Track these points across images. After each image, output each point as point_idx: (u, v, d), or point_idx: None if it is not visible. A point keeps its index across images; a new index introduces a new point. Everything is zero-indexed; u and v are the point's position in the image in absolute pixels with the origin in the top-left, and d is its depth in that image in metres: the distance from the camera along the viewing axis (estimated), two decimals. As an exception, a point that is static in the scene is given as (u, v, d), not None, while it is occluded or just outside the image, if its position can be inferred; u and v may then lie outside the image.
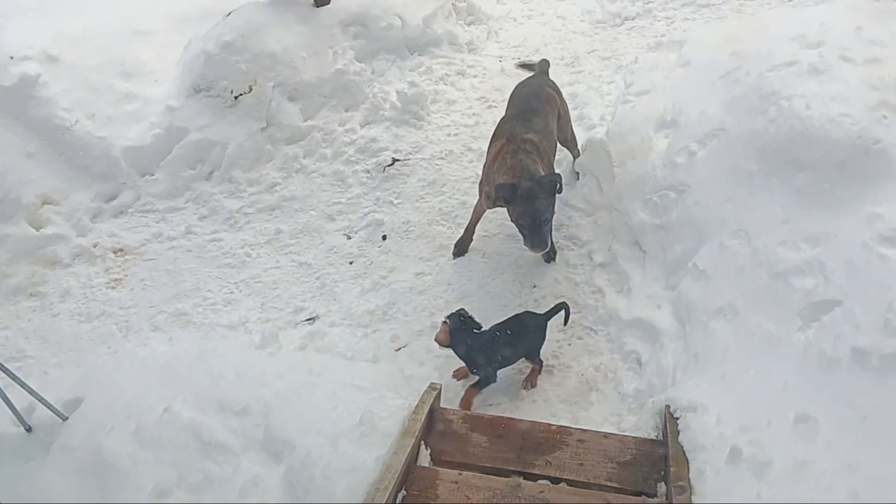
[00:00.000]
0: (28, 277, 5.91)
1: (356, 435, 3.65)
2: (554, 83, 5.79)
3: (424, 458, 3.81)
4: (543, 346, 4.71)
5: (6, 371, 3.89)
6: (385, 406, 3.88)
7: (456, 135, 6.85)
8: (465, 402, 4.47)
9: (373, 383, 4.27)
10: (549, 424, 4.04)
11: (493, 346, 4.53)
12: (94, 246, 6.21)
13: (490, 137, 5.42)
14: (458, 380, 4.68)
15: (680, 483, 3.35)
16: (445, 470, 3.72)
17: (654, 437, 3.95)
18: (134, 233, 6.35)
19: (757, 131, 4.73)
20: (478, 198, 5.44)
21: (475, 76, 7.61)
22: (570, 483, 3.67)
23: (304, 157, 6.79)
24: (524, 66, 7.31)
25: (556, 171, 5.31)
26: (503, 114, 5.57)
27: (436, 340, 4.55)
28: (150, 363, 4.38)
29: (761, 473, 3.17)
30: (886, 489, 2.92)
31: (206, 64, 6.95)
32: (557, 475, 3.70)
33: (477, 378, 4.57)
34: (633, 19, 8.01)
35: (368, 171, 6.55)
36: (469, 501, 3.49)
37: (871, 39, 4.95)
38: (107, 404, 4.02)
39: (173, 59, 7.40)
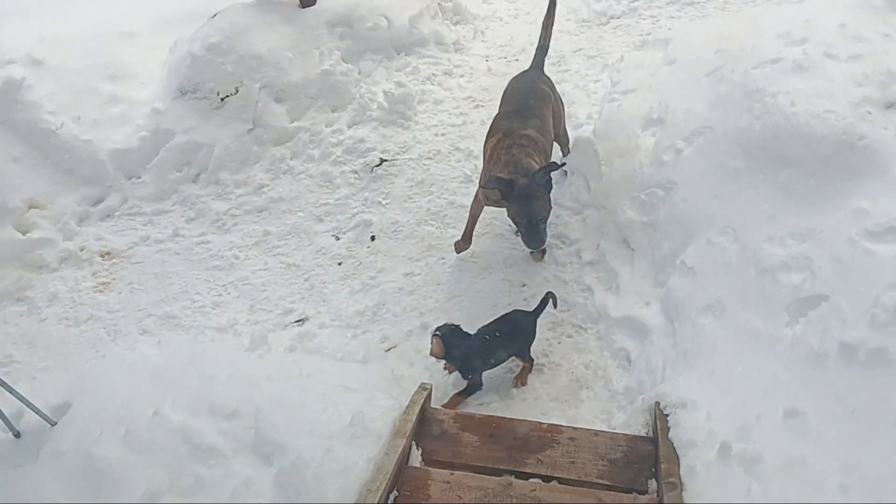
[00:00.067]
0: (15, 282, 5.87)
1: (347, 436, 3.64)
2: (548, 78, 5.76)
3: (416, 459, 3.80)
4: (533, 345, 4.73)
5: (-6, 377, 3.87)
6: (376, 407, 3.88)
7: (444, 134, 6.84)
8: (449, 409, 4.48)
9: (363, 384, 4.26)
10: (540, 423, 4.05)
11: (486, 348, 4.54)
12: (81, 250, 6.18)
13: (485, 136, 5.39)
14: (451, 373, 4.67)
15: (671, 480, 3.36)
16: (437, 470, 3.71)
17: (645, 434, 3.96)
18: (121, 236, 6.32)
19: (743, 128, 4.76)
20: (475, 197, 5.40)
21: (462, 76, 7.60)
22: (562, 481, 3.67)
23: (291, 159, 6.77)
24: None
25: None
26: (493, 112, 5.56)
27: (432, 355, 4.55)
28: (139, 367, 4.36)
29: (751, 469, 3.18)
30: (876, 483, 2.94)
31: (191, 66, 6.93)
32: (549, 473, 3.70)
33: (465, 385, 4.59)
34: (618, 18, 8.02)
35: (356, 172, 6.54)
36: (461, 501, 3.49)
37: (854, 36, 4.98)
38: (96, 409, 3.99)
39: (159, 61, 7.38)
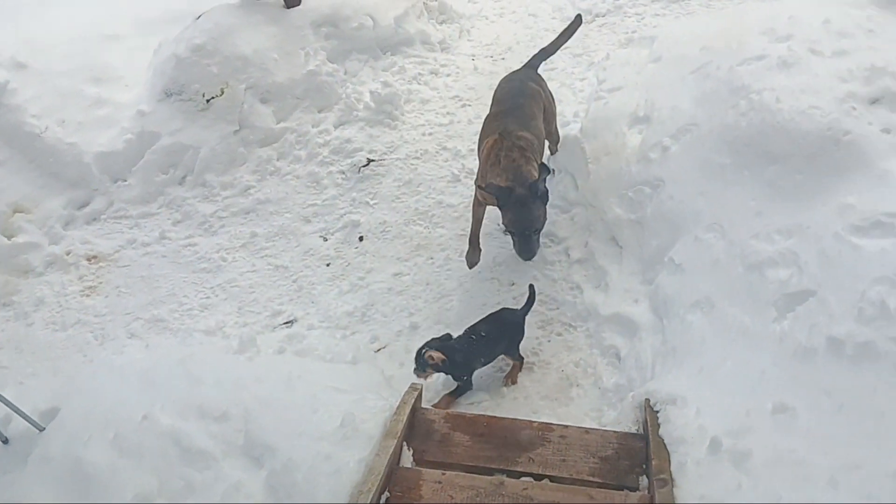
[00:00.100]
0: (0, 287, 5.82)
1: (338, 437, 3.63)
2: (539, 77, 5.73)
3: (407, 459, 3.80)
4: (523, 343, 4.73)
5: (-20, 383, 3.84)
6: (366, 408, 3.87)
7: (431, 134, 6.84)
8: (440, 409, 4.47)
9: (353, 385, 4.26)
10: (531, 421, 4.05)
11: (474, 347, 4.54)
12: (68, 254, 6.14)
13: (475, 134, 5.36)
14: (426, 379, 4.64)
15: (661, 476, 3.37)
16: (428, 470, 3.71)
17: (635, 431, 3.97)
18: (107, 239, 6.28)
19: (728, 125, 4.78)
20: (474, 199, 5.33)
21: (448, 75, 7.59)
22: (553, 479, 3.68)
23: (277, 160, 6.75)
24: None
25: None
26: (480, 111, 5.55)
27: (430, 364, 4.51)
28: (128, 370, 4.33)
29: (741, 464, 3.19)
30: (865, 476, 2.95)
31: (176, 67, 6.89)
32: (540, 472, 3.71)
33: (455, 386, 4.59)
34: (603, 16, 8.03)
35: (343, 172, 6.53)
36: (453, 501, 3.49)
37: (838, 32, 5.01)
38: (84, 413, 3.96)
39: (143, 63, 7.33)
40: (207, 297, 5.66)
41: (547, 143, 5.76)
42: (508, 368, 4.74)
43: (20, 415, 3.97)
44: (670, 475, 3.36)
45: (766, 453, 3.20)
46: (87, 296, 5.81)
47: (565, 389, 4.64)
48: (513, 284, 5.30)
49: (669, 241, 4.78)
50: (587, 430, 3.97)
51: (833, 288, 3.65)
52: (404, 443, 3.83)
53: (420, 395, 4.20)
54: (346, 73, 7.38)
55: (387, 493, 3.54)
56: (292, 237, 6.06)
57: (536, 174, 4.81)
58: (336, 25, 7.45)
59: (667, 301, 4.55)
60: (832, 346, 3.42)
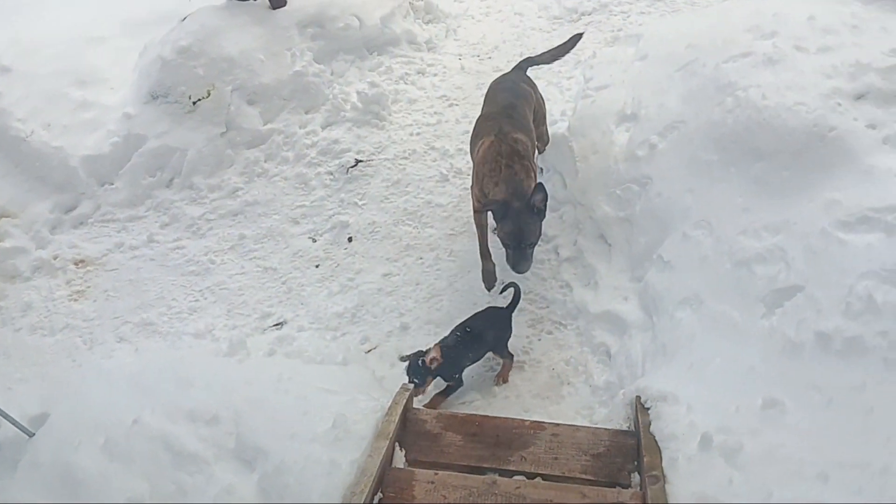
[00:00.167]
0: (-13, 292, 5.80)
1: (329, 439, 3.63)
2: (529, 79, 5.72)
3: (399, 460, 3.80)
4: (514, 342, 4.74)
5: (-32, 389, 3.82)
6: (357, 409, 3.87)
7: (418, 134, 6.83)
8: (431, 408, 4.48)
9: (344, 386, 4.25)
10: (523, 420, 4.06)
11: (461, 345, 4.55)
12: (55, 258, 6.10)
13: (465, 134, 5.33)
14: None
15: (653, 472, 3.39)
16: (421, 470, 3.71)
17: (626, 429, 3.98)
18: (95, 243, 6.25)
19: (715, 122, 4.80)
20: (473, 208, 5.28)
21: (435, 75, 7.58)
22: (546, 477, 3.69)
23: (265, 161, 6.73)
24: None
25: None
26: (467, 110, 5.55)
27: (431, 367, 4.48)
28: (117, 375, 4.32)
29: (732, 459, 3.21)
30: (854, 470, 2.98)
31: (162, 70, 6.86)
32: (533, 470, 3.72)
33: (445, 386, 4.60)
34: (589, 14, 8.04)
35: (331, 173, 6.51)
36: (446, 501, 3.49)
37: (823, 28, 5.03)
38: (74, 418, 3.95)
39: (129, 65, 7.30)
40: (196, 300, 5.64)
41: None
42: (499, 368, 4.74)
43: (9, 420, 3.95)
44: (662, 472, 3.38)
45: (757, 449, 3.22)
46: (76, 300, 5.78)
47: (556, 388, 4.65)
48: (502, 283, 5.30)
49: (658, 239, 4.79)
50: (578, 428, 3.98)
51: (820, 283, 3.68)
52: (396, 443, 3.82)
53: (411, 396, 4.20)
54: (332, 74, 7.36)
55: (380, 494, 3.53)
56: (281, 239, 6.05)
57: (534, 186, 4.75)
58: (322, 26, 7.44)
59: (656, 298, 4.56)
60: (820, 341, 3.45)
